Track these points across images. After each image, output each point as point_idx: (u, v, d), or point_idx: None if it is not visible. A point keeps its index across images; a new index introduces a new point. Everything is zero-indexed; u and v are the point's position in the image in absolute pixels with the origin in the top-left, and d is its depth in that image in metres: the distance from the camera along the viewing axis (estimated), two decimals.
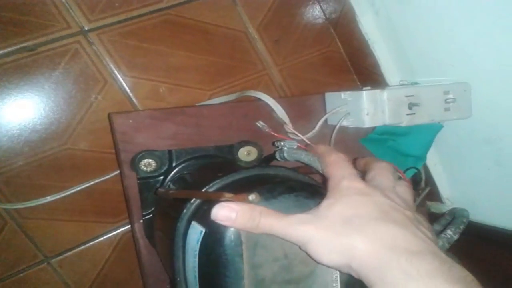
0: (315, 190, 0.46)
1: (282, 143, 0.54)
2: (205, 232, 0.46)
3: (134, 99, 0.76)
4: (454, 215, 0.63)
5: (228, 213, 0.40)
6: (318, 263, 0.39)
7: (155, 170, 0.65)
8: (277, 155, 0.56)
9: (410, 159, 0.77)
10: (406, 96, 0.60)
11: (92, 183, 0.75)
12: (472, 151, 0.76)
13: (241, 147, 0.67)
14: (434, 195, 0.91)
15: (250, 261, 0.44)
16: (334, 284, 0.47)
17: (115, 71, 0.74)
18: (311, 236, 0.38)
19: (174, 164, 0.66)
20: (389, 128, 0.69)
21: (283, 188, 0.45)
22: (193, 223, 0.48)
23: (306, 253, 0.39)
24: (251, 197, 0.38)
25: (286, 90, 0.84)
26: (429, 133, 0.72)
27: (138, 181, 0.65)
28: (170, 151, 0.65)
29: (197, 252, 0.47)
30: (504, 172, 0.73)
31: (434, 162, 0.86)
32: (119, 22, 0.72)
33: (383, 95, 0.60)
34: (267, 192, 0.44)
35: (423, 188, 0.79)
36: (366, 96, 0.60)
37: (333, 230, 0.38)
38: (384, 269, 0.34)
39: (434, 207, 0.95)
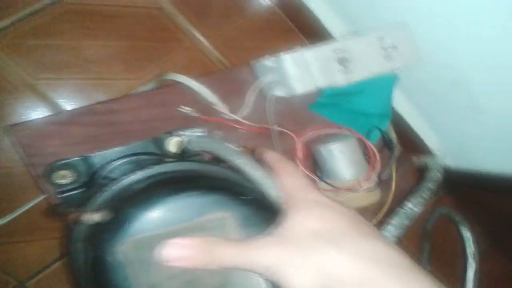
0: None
1: (180, 132, 0.47)
2: (88, 257, 0.40)
3: (57, 103, 0.70)
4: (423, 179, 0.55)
5: (179, 251, 0.35)
6: None
7: (73, 181, 0.59)
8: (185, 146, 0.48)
9: (373, 118, 0.68)
10: (333, 52, 0.52)
11: (41, 198, 0.71)
12: (445, 97, 0.69)
13: (167, 139, 0.60)
14: (423, 149, 0.85)
15: (143, 282, 0.39)
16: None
17: (26, 76, 0.67)
18: (277, 259, 0.33)
19: (94, 171, 0.60)
20: (337, 89, 0.61)
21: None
22: (79, 245, 0.42)
23: (274, 282, 0.34)
24: (97, 216, 0.32)
25: (226, 63, 0.76)
26: (384, 86, 0.64)
27: (59, 196, 0.59)
28: (84, 157, 0.59)
29: (89, 280, 0.41)
30: (484, 115, 0.65)
31: (413, 115, 0.79)
32: (13, 23, 0.65)
33: (306, 55, 0.51)
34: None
35: (394, 148, 0.70)
36: (288, 59, 0.52)
37: (302, 248, 0.33)
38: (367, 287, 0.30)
39: (429, 160, 0.89)
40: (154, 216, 0.38)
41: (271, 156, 0.43)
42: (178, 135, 0.47)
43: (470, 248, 0.74)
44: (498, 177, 0.74)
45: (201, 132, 0.47)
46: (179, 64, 0.73)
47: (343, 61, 0.53)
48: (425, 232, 0.99)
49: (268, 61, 0.56)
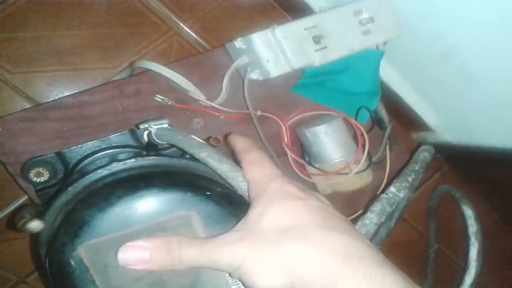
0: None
1: (147, 124, 0.45)
2: (48, 262, 0.39)
3: (34, 97, 0.68)
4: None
5: (139, 254, 0.34)
6: None
7: (50, 178, 0.57)
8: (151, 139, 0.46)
9: (361, 97, 0.66)
10: (306, 29, 0.49)
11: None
12: (437, 70, 0.66)
13: (137, 129, 0.58)
14: (421, 125, 0.83)
15: (107, 287, 0.38)
16: (234, 287, 0.40)
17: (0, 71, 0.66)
18: (242, 257, 0.31)
19: (71, 167, 0.58)
20: (320, 68, 0.58)
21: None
22: (42, 250, 0.41)
23: (241, 281, 0.33)
24: (33, 225, 0.30)
25: (206, 46, 0.73)
26: (369, 63, 0.61)
27: (38, 194, 0.58)
28: (59, 153, 0.57)
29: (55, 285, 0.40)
30: (479, 88, 0.62)
31: (407, 91, 0.77)
32: None
33: (276, 34, 0.49)
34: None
35: (385, 126, 0.67)
36: (257, 39, 0.49)
37: (268, 243, 0.31)
38: (337, 286, 0.29)
39: (430, 137, 0.86)
40: (111, 218, 0.36)
41: (240, 144, 0.41)
42: (144, 128, 0.45)
43: (472, 226, 0.71)
44: (501, 150, 0.71)
45: (166, 123, 0.45)
46: (158, 50, 0.71)
47: (318, 39, 0.49)
48: (430, 210, 0.96)
49: (238, 43, 0.53)
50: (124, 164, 0.41)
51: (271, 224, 0.32)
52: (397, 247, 0.96)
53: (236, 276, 0.32)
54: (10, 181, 0.68)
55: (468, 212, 0.76)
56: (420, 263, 0.98)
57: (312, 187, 0.69)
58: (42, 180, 0.57)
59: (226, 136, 0.44)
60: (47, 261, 0.38)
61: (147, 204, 0.37)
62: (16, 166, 0.57)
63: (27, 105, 0.68)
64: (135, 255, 0.34)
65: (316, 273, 0.29)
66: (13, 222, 0.36)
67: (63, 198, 0.40)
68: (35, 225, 0.31)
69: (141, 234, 0.37)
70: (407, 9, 0.58)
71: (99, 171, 0.41)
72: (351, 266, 0.29)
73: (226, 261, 0.32)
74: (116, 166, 0.41)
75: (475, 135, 0.76)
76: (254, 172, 0.37)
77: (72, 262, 0.36)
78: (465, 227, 0.77)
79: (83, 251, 0.36)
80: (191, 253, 0.33)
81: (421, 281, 0.97)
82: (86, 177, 0.41)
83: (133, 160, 0.42)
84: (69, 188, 0.40)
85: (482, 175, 0.90)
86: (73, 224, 0.36)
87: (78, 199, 0.39)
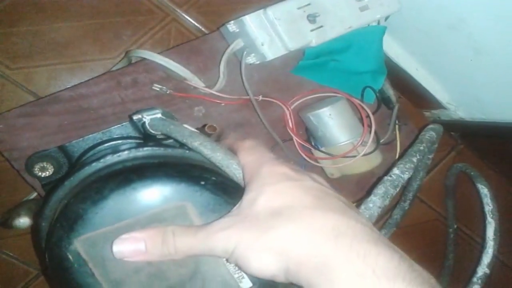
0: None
1: (140, 115, 0.45)
2: (48, 257, 0.39)
3: (36, 91, 0.69)
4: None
5: (134, 245, 0.35)
6: (250, 274, 0.34)
7: (55, 172, 0.59)
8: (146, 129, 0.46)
9: (366, 76, 0.65)
10: (300, 8, 0.48)
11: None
12: (445, 43, 0.65)
13: (131, 120, 0.58)
14: (432, 102, 0.82)
15: (106, 279, 0.38)
16: (236, 275, 0.40)
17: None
18: (235, 241, 0.31)
19: (74, 160, 0.59)
20: (321, 48, 0.57)
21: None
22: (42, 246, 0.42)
23: (237, 266, 0.33)
24: (20, 221, 0.31)
25: (205, 31, 0.73)
26: (371, 39, 0.60)
27: (44, 189, 0.60)
28: (61, 147, 0.58)
29: (55, 279, 0.41)
30: (490, 60, 0.61)
31: (415, 67, 0.76)
32: None
33: (268, 14, 0.48)
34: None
35: (393, 105, 0.66)
36: (249, 21, 0.49)
37: (261, 227, 0.31)
38: (330, 268, 0.28)
39: (443, 114, 0.85)
40: (105, 210, 0.37)
41: (229, 139, 0.42)
42: (138, 119, 0.45)
43: (488, 205, 0.70)
44: None
45: (159, 113, 0.45)
46: (156, 38, 0.71)
47: (313, 18, 0.48)
48: (447, 189, 0.95)
49: (231, 26, 0.52)
50: (119, 156, 0.42)
51: (263, 207, 0.32)
52: (415, 228, 0.95)
53: (232, 261, 0.32)
54: (20, 178, 0.70)
55: (484, 191, 0.74)
56: (439, 243, 0.97)
57: (319, 172, 0.69)
58: (47, 175, 0.58)
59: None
60: (46, 255, 0.39)
61: (141, 196, 0.37)
62: (20, 162, 0.58)
63: (30, 100, 0.69)
64: (131, 247, 0.35)
65: (308, 253, 0.29)
66: (5, 219, 0.37)
67: (60, 192, 0.41)
68: (22, 221, 0.32)
69: (137, 226, 0.37)
70: None
71: (93, 164, 0.41)
72: (344, 246, 0.28)
73: (220, 247, 0.32)
74: (110, 159, 0.42)
75: (490, 111, 0.74)
76: (247, 157, 0.37)
77: (70, 256, 0.37)
78: (481, 206, 0.76)
79: (80, 245, 0.37)
80: (186, 241, 0.34)
81: (441, 261, 0.96)
82: (81, 170, 0.41)
83: (126, 152, 0.42)
84: (66, 182, 0.41)
85: (499, 151, 0.88)
86: (68, 218, 0.37)
87: (73, 193, 0.39)
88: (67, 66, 0.69)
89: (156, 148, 0.44)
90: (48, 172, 0.58)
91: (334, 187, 0.36)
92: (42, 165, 0.58)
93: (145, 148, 0.43)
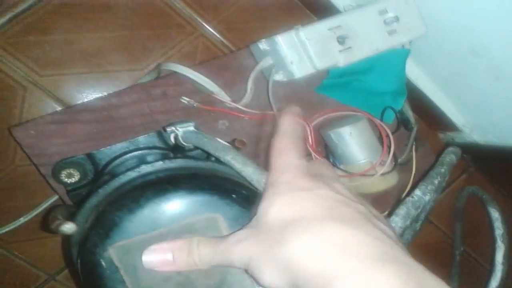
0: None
1: (173, 127, 0.45)
2: (80, 263, 0.40)
3: (63, 99, 0.70)
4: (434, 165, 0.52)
5: (163, 256, 0.35)
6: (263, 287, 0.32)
7: (81, 179, 0.59)
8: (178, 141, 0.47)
9: (386, 97, 0.65)
10: (330, 30, 0.49)
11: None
12: (465, 68, 0.65)
13: (165, 132, 0.59)
14: (448, 125, 0.82)
15: (136, 287, 0.39)
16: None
17: (29, 74, 0.68)
18: (250, 253, 0.31)
19: (101, 168, 0.60)
20: (345, 68, 0.57)
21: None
22: (74, 250, 0.42)
23: (253, 278, 0.32)
24: (66, 227, 0.31)
25: (231, 47, 0.74)
26: (395, 62, 0.60)
27: (69, 195, 0.60)
28: (89, 154, 0.59)
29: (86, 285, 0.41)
30: (507, 86, 0.61)
31: (433, 90, 0.76)
32: (9, 21, 0.65)
33: (300, 35, 0.49)
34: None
35: (412, 127, 0.67)
36: (281, 41, 0.49)
37: (271, 239, 0.30)
38: (334, 285, 0.26)
39: (457, 137, 0.85)
40: (140, 219, 0.37)
41: (283, 124, 0.37)
42: (171, 131, 0.46)
43: (499, 229, 0.70)
44: None
45: (192, 126, 0.45)
46: (183, 51, 0.72)
47: (343, 39, 0.49)
48: (456, 211, 0.95)
49: (262, 44, 0.53)
50: (152, 166, 0.42)
51: (274, 218, 0.31)
52: (422, 248, 0.94)
53: (249, 273, 0.32)
54: (40, 182, 0.71)
55: (495, 215, 0.75)
56: (445, 265, 0.97)
57: None
58: (73, 181, 0.59)
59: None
60: (78, 261, 0.39)
61: (175, 206, 0.38)
62: (47, 167, 0.59)
63: (57, 107, 0.70)
64: (159, 257, 0.36)
65: (313, 270, 0.27)
66: (47, 223, 0.38)
67: (94, 199, 0.41)
68: (69, 227, 0.32)
69: (170, 235, 0.38)
70: (433, 5, 0.57)
71: (128, 173, 0.42)
72: (350, 266, 0.27)
73: (237, 259, 0.32)
74: (144, 168, 0.42)
75: (504, 136, 0.74)
76: (275, 161, 0.36)
77: (103, 263, 0.37)
78: (491, 229, 0.76)
79: (114, 252, 0.37)
80: (208, 252, 0.34)
81: (447, 283, 0.96)
82: (116, 179, 0.42)
83: (161, 162, 0.43)
84: (100, 190, 0.41)
85: (510, 176, 0.88)
86: (103, 226, 0.37)
87: (108, 201, 0.40)
88: (95, 75, 0.70)
89: (188, 160, 0.44)
90: (74, 178, 0.59)
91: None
92: (69, 171, 0.58)
93: (177, 160, 0.44)
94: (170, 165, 0.43)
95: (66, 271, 0.77)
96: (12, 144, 0.70)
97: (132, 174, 0.42)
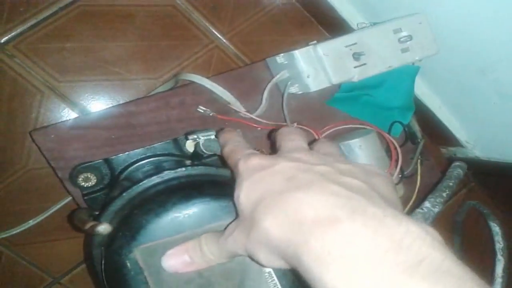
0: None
1: (195, 135, 0.47)
2: (105, 263, 0.41)
3: (79, 105, 0.71)
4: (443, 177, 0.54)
5: (181, 258, 0.36)
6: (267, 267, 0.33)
7: (97, 183, 0.60)
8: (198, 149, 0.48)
9: (395, 111, 0.67)
10: (347, 46, 0.50)
11: (70, 198, 0.73)
12: (472, 86, 0.67)
13: (187, 140, 0.60)
14: (451, 140, 0.83)
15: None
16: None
17: (48, 80, 0.69)
18: (240, 244, 0.32)
19: (117, 173, 0.61)
20: (356, 83, 0.59)
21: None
22: (97, 251, 0.43)
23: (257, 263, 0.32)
24: (102, 227, 0.32)
25: (245, 59, 0.75)
26: (405, 78, 0.62)
27: (84, 198, 0.61)
28: (106, 160, 0.60)
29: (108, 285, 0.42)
30: (510, 104, 0.62)
31: (438, 105, 0.78)
32: (32, 27, 0.67)
33: (317, 51, 0.50)
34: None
35: (418, 141, 0.68)
36: (299, 55, 0.51)
37: (247, 224, 0.31)
38: (299, 258, 0.26)
39: (459, 152, 0.87)
40: (166, 222, 0.38)
41: (223, 138, 0.41)
42: (193, 139, 0.48)
43: (499, 243, 0.71)
44: None
45: (213, 134, 0.47)
46: (198, 62, 0.74)
47: (358, 56, 0.51)
48: (455, 225, 0.96)
49: (280, 58, 0.55)
50: (175, 172, 0.43)
51: (244, 204, 0.31)
52: None
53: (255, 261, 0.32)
54: (52, 185, 0.72)
55: (496, 229, 0.76)
56: None
57: None
58: (89, 185, 0.60)
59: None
60: (102, 262, 0.40)
61: (199, 211, 0.39)
62: (65, 171, 0.60)
63: (73, 112, 0.71)
64: (178, 259, 0.37)
65: (285, 242, 0.27)
66: (76, 225, 0.39)
67: (118, 203, 0.42)
68: (104, 228, 0.34)
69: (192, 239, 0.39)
70: (444, 26, 0.59)
71: (152, 178, 0.43)
72: (304, 227, 0.26)
73: (236, 250, 0.33)
74: (167, 174, 0.43)
75: (505, 152, 0.76)
76: (230, 163, 0.37)
77: (128, 264, 0.38)
78: (491, 243, 0.77)
79: (139, 254, 0.38)
80: (216, 247, 0.35)
81: None
82: (140, 184, 0.43)
83: (183, 169, 0.44)
84: (124, 194, 0.42)
85: (509, 191, 0.90)
86: (130, 228, 0.38)
87: (134, 204, 0.41)
88: (112, 83, 0.71)
89: (208, 167, 0.45)
90: (91, 182, 0.60)
91: None
92: (86, 175, 0.59)
93: (199, 167, 0.45)
94: (192, 171, 0.44)
95: (71, 274, 0.77)
96: (26, 147, 0.71)
97: (155, 180, 0.43)
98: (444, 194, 0.48)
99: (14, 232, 0.72)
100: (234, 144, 0.38)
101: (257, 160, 0.33)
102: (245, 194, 0.31)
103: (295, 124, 0.64)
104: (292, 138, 0.37)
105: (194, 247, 0.36)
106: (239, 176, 0.33)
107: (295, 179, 0.29)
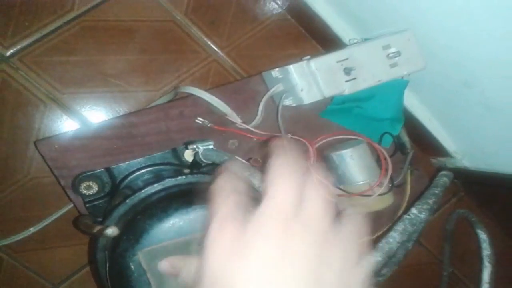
0: None
1: (195, 145, 0.49)
2: (110, 265, 0.43)
3: (81, 116, 0.73)
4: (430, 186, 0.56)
5: (174, 271, 0.37)
6: None
7: (99, 191, 0.62)
8: (197, 158, 0.51)
9: (385, 123, 0.70)
10: (338, 62, 0.53)
11: (70, 206, 0.75)
12: (458, 99, 0.70)
13: (185, 150, 0.63)
14: (440, 151, 0.86)
15: None
16: None
17: (51, 91, 0.71)
18: None
19: (118, 181, 0.63)
20: (348, 96, 0.62)
21: None
22: (101, 254, 0.46)
23: None
24: (110, 230, 0.35)
25: (241, 73, 0.78)
26: (394, 91, 0.65)
27: (86, 205, 0.63)
28: (108, 169, 0.62)
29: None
30: (499, 117, 0.66)
31: (428, 117, 0.80)
32: (37, 40, 0.70)
33: (311, 66, 0.53)
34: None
35: (407, 152, 0.71)
36: (293, 70, 0.54)
37: None
38: None
39: (449, 162, 0.89)
40: (168, 227, 0.41)
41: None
42: (192, 148, 0.50)
43: (487, 250, 0.74)
44: None
45: (212, 144, 0.49)
46: (196, 75, 0.76)
47: (349, 71, 0.54)
48: (445, 233, 0.99)
49: (275, 72, 0.58)
50: (176, 180, 0.46)
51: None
52: (411, 269, 0.97)
53: None
54: (53, 194, 0.73)
55: (483, 236, 0.78)
56: (434, 285, 1.00)
57: None
58: (91, 193, 0.62)
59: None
60: (107, 264, 0.42)
61: (199, 216, 0.41)
62: (67, 179, 0.62)
63: (75, 123, 0.74)
64: (172, 271, 0.37)
65: None
66: (84, 229, 0.41)
67: (122, 208, 0.45)
68: (112, 231, 0.36)
69: (193, 243, 0.41)
70: (430, 41, 0.62)
71: (154, 185, 0.45)
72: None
73: None
74: (169, 182, 0.46)
75: (493, 162, 0.78)
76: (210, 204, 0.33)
77: (132, 266, 0.40)
78: (479, 250, 0.80)
79: (142, 256, 0.40)
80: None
81: None
82: (143, 191, 0.45)
83: (183, 177, 0.46)
84: (127, 200, 0.45)
85: (498, 202, 0.92)
86: (134, 232, 0.40)
87: (137, 210, 0.43)
88: (114, 95, 0.74)
89: (207, 176, 0.48)
90: (93, 190, 0.62)
91: None
92: (88, 184, 0.62)
93: (198, 175, 0.48)
94: (191, 179, 0.47)
95: (70, 281, 0.79)
96: (28, 157, 0.73)
97: (157, 187, 0.46)
98: (430, 201, 0.50)
99: (15, 239, 0.74)
100: (225, 180, 0.33)
101: (229, 235, 0.28)
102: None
103: (289, 135, 0.66)
104: (281, 181, 0.29)
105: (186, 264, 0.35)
106: (205, 250, 0.28)
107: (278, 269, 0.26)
